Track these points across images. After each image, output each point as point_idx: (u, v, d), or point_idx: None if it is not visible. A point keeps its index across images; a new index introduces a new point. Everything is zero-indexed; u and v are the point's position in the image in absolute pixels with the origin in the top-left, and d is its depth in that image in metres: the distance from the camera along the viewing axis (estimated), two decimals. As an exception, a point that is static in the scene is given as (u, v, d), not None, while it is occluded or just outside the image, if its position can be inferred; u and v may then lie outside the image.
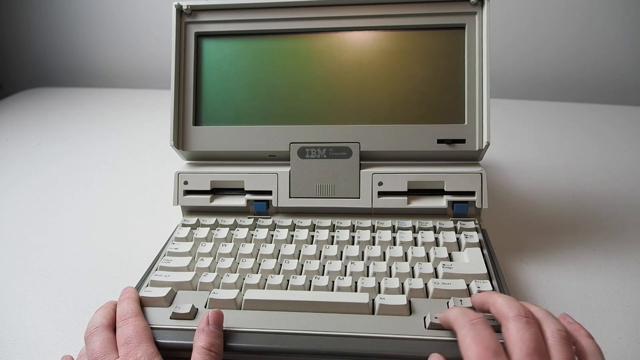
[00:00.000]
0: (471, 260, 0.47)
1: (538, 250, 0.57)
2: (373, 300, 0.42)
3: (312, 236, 0.53)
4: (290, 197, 0.56)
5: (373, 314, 0.41)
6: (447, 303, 0.42)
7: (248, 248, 0.51)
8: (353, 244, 0.52)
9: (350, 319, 0.41)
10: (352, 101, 0.56)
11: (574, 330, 0.36)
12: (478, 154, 0.55)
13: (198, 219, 0.57)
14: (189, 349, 0.38)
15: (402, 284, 0.44)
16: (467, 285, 0.44)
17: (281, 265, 0.48)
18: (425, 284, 0.44)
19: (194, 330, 0.40)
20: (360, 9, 0.55)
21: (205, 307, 0.43)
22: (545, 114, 1.06)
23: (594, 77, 1.20)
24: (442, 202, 0.54)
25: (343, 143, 0.55)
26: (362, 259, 0.49)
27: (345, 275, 0.46)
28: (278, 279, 0.46)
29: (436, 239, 0.51)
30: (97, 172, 0.86)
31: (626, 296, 0.50)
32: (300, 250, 0.50)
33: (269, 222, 0.55)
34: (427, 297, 0.43)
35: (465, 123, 0.54)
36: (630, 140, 0.91)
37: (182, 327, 0.41)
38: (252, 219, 0.56)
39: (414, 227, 0.53)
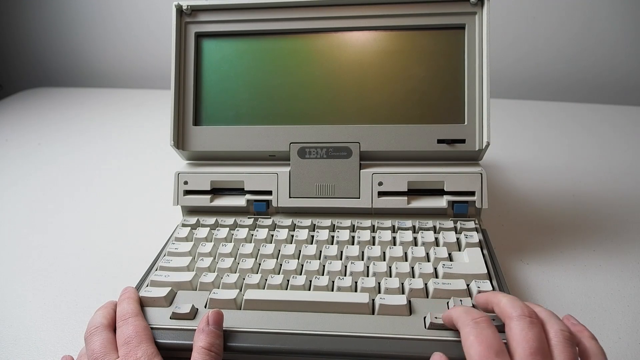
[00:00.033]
0: (471, 260, 0.47)
1: (538, 250, 0.57)
2: (373, 300, 0.42)
3: (312, 236, 0.53)
4: (290, 197, 0.56)
5: (373, 314, 0.41)
6: (447, 303, 0.42)
7: (248, 248, 0.51)
8: (353, 244, 0.52)
9: (350, 319, 0.41)
10: (352, 101, 0.56)
11: (577, 331, 0.36)
12: (478, 154, 0.55)
13: (198, 219, 0.57)
14: (189, 349, 0.38)
15: (402, 284, 0.44)
16: (467, 285, 0.44)
17: (281, 265, 0.48)
18: (425, 284, 0.44)
19: (194, 330, 0.40)
20: (360, 9, 0.55)
21: (205, 307, 0.43)
22: (545, 114, 1.06)
23: (594, 77, 1.20)
24: (442, 202, 0.54)
25: (343, 143, 0.55)
26: (362, 259, 0.49)
27: (345, 275, 0.46)
28: (278, 279, 0.46)
29: (436, 239, 0.51)
30: (97, 172, 0.86)
31: (626, 296, 0.50)
32: (300, 250, 0.50)
33: (269, 222, 0.55)
34: (427, 297, 0.43)
35: (465, 123, 0.54)
36: (630, 140, 0.91)
37: (182, 327, 0.41)
38: (252, 219, 0.56)
39: (414, 227, 0.53)
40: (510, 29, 1.19)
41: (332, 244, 0.52)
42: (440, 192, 0.55)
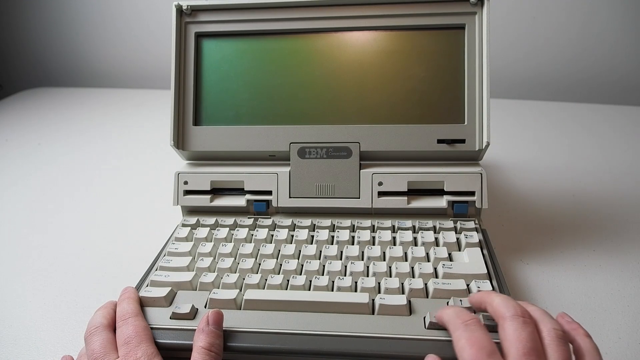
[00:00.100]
0: (471, 260, 0.47)
1: (538, 250, 0.57)
2: (373, 300, 0.42)
3: (312, 236, 0.53)
4: (290, 197, 0.56)
5: (373, 314, 0.41)
6: (447, 303, 0.42)
7: (248, 248, 0.51)
8: (353, 244, 0.52)
9: (350, 319, 0.41)
10: (352, 101, 0.56)
11: (572, 329, 0.36)
12: (478, 154, 0.55)
13: (198, 219, 0.57)
14: (188, 349, 0.38)
15: (402, 284, 0.44)
16: (467, 285, 0.44)
17: (281, 265, 0.48)
18: (425, 284, 0.44)
19: (194, 330, 0.40)
20: (360, 9, 0.55)
21: (205, 307, 0.43)
22: (545, 114, 1.06)
23: (594, 77, 1.20)
24: (442, 202, 0.54)
25: (343, 143, 0.55)
26: (362, 259, 0.49)
27: (345, 275, 0.46)
28: (278, 279, 0.46)
29: (436, 239, 0.51)
30: (97, 172, 0.86)
31: (626, 296, 0.50)
32: (300, 250, 0.50)
33: (269, 222, 0.55)
34: (427, 297, 0.43)
35: (465, 123, 0.54)
36: (630, 140, 0.91)
37: (182, 327, 0.41)
38: (252, 219, 0.56)
39: (414, 227, 0.53)
40: (510, 29, 1.19)
41: (332, 244, 0.52)
42: (440, 192, 0.54)
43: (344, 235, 0.52)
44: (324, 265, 0.48)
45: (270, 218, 0.56)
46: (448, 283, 0.44)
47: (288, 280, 0.46)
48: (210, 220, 0.56)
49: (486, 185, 0.53)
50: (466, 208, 0.54)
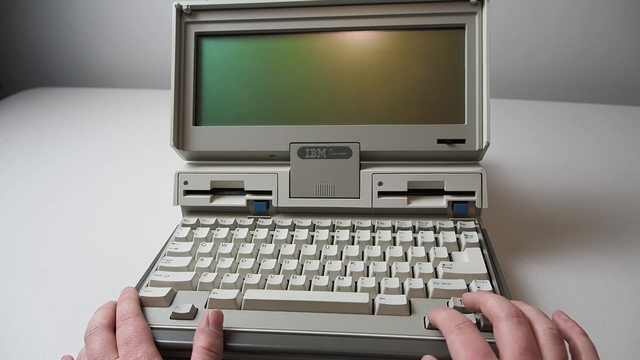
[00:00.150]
0: (471, 260, 0.47)
1: (538, 250, 0.57)
2: (373, 300, 0.42)
3: (312, 236, 0.53)
4: (290, 197, 0.56)
5: (373, 314, 0.41)
6: (447, 303, 0.42)
7: (248, 248, 0.51)
8: (353, 244, 0.52)
9: (350, 319, 0.41)
10: (352, 101, 0.56)
11: (568, 327, 0.36)
12: (478, 154, 0.55)
13: (198, 219, 0.57)
14: (188, 349, 0.38)
15: (402, 284, 0.44)
16: (467, 285, 0.44)
17: (281, 265, 0.48)
18: (425, 284, 0.44)
19: (194, 330, 0.40)
20: (360, 9, 0.55)
21: (205, 307, 0.43)
22: (545, 114, 1.06)
23: (594, 77, 1.20)
24: (442, 202, 0.54)
25: (343, 143, 0.55)
26: (362, 259, 0.49)
27: (345, 275, 0.46)
28: (278, 279, 0.46)
29: (436, 239, 0.51)
30: (97, 172, 0.86)
31: (626, 296, 0.50)
32: (300, 250, 0.50)
33: (269, 222, 0.55)
34: (427, 297, 0.43)
35: (465, 123, 0.54)
36: (630, 140, 0.91)
37: (182, 327, 0.41)
38: (252, 219, 0.56)
39: (414, 227, 0.53)
40: (510, 29, 1.19)
41: (332, 244, 0.52)
42: (440, 192, 0.54)
43: (344, 235, 0.52)
44: (324, 265, 0.48)
45: (270, 218, 0.56)
46: (448, 283, 0.44)
47: (288, 280, 0.46)
48: (210, 220, 0.56)
49: (486, 185, 0.53)
50: (466, 208, 0.54)
